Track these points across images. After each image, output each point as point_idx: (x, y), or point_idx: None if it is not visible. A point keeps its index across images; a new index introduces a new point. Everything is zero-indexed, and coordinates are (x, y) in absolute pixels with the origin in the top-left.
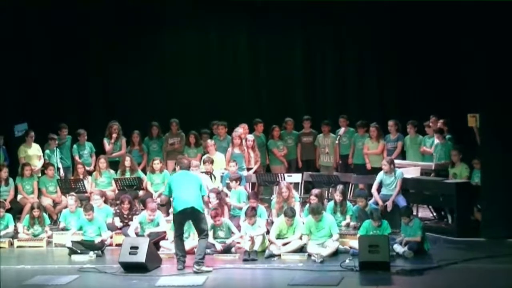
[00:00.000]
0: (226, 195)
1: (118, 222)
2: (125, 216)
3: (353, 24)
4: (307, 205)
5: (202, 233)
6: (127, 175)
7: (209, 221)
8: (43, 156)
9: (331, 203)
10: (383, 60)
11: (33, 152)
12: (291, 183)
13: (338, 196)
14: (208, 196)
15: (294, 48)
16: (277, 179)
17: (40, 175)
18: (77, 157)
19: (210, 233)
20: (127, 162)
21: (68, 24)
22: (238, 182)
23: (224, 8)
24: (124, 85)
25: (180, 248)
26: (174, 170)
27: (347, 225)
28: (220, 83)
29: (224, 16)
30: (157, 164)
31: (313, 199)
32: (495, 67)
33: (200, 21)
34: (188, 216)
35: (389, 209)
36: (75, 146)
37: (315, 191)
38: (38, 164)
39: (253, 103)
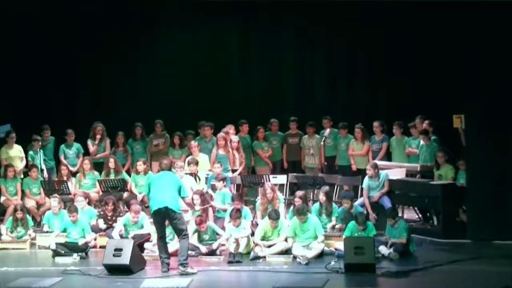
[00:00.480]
0: (211, 196)
1: (102, 224)
2: (109, 217)
3: (342, 24)
4: (292, 207)
5: (180, 233)
6: (112, 176)
7: (194, 226)
8: (26, 157)
9: (317, 204)
10: (370, 61)
11: (14, 154)
12: (276, 185)
13: (323, 198)
14: (192, 198)
15: (283, 48)
16: (262, 181)
17: (22, 176)
18: (62, 157)
19: (195, 236)
20: (111, 164)
21: (56, 23)
22: (224, 183)
23: (213, 9)
24: (108, 85)
25: (163, 250)
26: (159, 171)
27: (333, 227)
28: (207, 84)
29: (213, 16)
30: (141, 165)
31: (298, 201)
32: (481, 68)
33: (188, 22)
34: (163, 216)
35: (374, 199)
36: (62, 146)
37: (299, 192)
38: (20, 165)
39: (240, 104)
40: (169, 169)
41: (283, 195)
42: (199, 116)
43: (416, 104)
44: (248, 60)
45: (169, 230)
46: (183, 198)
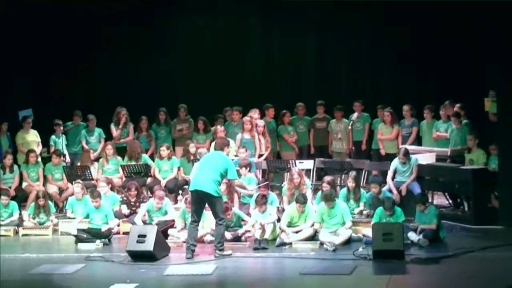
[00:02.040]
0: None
1: (125, 210)
2: (132, 203)
3: (368, 8)
4: (319, 192)
5: (217, 218)
6: (134, 161)
7: None
8: (49, 142)
9: (344, 190)
10: (398, 44)
11: (31, 138)
12: (302, 170)
13: (351, 183)
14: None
15: (308, 32)
16: (288, 166)
17: (39, 160)
18: (84, 143)
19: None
20: (129, 149)
21: (77, 8)
22: (248, 169)
23: None
24: (132, 70)
25: (192, 235)
26: (183, 156)
27: (360, 212)
28: (230, 68)
29: (237, 1)
30: (164, 150)
31: (325, 186)
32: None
33: (212, 6)
34: (201, 198)
35: (403, 193)
36: (83, 131)
37: (327, 178)
38: (37, 150)
39: (265, 88)
40: (221, 149)
41: (309, 180)
42: (223, 101)
43: (446, 87)
44: (271, 43)
45: None
46: (231, 180)
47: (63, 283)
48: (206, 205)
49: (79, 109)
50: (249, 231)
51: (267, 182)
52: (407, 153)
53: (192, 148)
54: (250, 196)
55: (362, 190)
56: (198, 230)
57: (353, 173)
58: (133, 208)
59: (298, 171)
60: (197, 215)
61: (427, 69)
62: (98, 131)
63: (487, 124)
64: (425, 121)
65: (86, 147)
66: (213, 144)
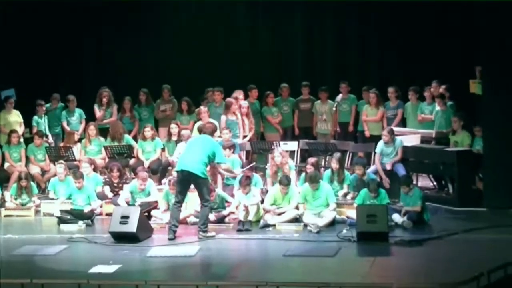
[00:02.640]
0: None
1: (108, 191)
2: (115, 184)
3: None
4: (303, 174)
5: (202, 199)
6: (116, 142)
7: None
8: (31, 122)
9: (328, 171)
10: (383, 25)
11: (13, 119)
12: (287, 151)
13: (334, 164)
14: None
15: (293, 11)
16: (272, 147)
17: (22, 141)
18: (65, 124)
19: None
20: (111, 129)
21: None
22: (232, 150)
23: None
24: (117, 50)
25: (175, 217)
26: (168, 137)
27: (345, 195)
28: (214, 48)
29: None
30: (148, 131)
31: (309, 168)
32: (498, 30)
33: None
34: (186, 179)
35: (388, 167)
36: (64, 112)
37: (311, 159)
38: (19, 130)
39: (249, 69)
40: (211, 134)
41: (294, 162)
42: (207, 82)
43: (431, 68)
44: (256, 23)
45: None
46: (219, 164)
47: (45, 264)
48: (191, 187)
49: (62, 89)
50: (232, 212)
51: (253, 164)
52: (392, 132)
53: (173, 128)
54: (234, 177)
55: (346, 172)
56: (181, 211)
57: (337, 155)
58: (116, 190)
59: (280, 152)
60: (181, 196)
61: (413, 50)
62: (78, 111)
63: (472, 106)
64: (410, 103)
65: (67, 128)
66: (196, 125)
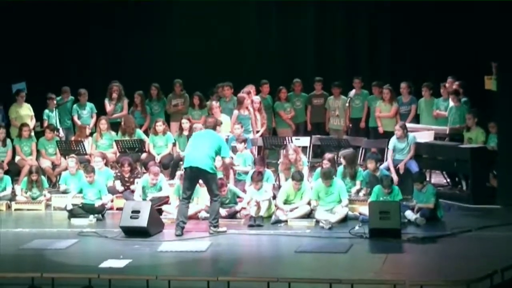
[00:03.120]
0: (232, 159)
1: (119, 186)
2: (126, 179)
3: None
4: (318, 169)
5: (212, 194)
6: (126, 136)
7: None
8: (42, 116)
9: (341, 167)
10: (396, 19)
11: (24, 112)
12: (299, 147)
13: (342, 161)
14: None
15: (305, 6)
16: (284, 142)
17: (33, 134)
18: (75, 117)
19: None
20: (123, 124)
21: None
22: (244, 145)
23: None
24: (128, 45)
25: (182, 212)
26: (180, 131)
27: (357, 191)
28: (227, 44)
29: None
30: (159, 126)
31: (326, 164)
32: None
33: None
34: (195, 176)
35: (401, 171)
36: (75, 106)
37: (328, 155)
38: (30, 124)
39: (261, 64)
40: (214, 128)
41: (306, 157)
42: (219, 76)
43: (446, 64)
44: (268, 17)
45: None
46: (223, 158)
47: (55, 258)
48: (201, 181)
49: (73, 83)
50: (244, 208)
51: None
52: (404, 127)
53: (185, 123)
54: (246, 172)
55: (359, 168)
56: (192, 206)
57: (344, 152)
58: (127, 184)
59: (294, 148)
60: (189, 192)
61: (426, 45)
62: (89, 105)
63: (487, 102)
64: (423, 99)
65: (78, 122)
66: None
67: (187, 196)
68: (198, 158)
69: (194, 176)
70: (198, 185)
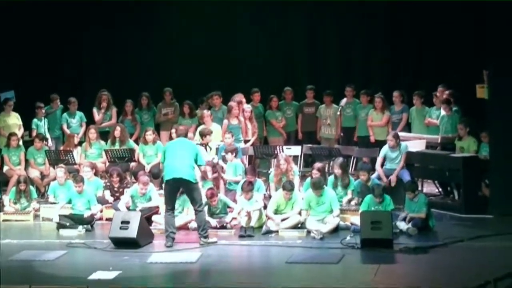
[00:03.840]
0: (222, 168)
1: (108, 196)
2: (115, 189)
3: None
4: (308, 179)
5: (196, 204)
6: (117, 146)
7: (204, 199)
8: (31, 125)
9: (332, 177)
10: (389, 28)
11: (12, 121)
12: (290, 156)
13: (337, 170)
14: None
15: (297, 13)
16: (275, 152)
17: (21, 144)
18: (65, 126)
19: (205, 209)
20: (117, 132)
21: None
22: (234, 154)
23: None
24: (117, 52)
25: (170, 223)
26: (170, 140)
27: (349, 201)
28: (218, 52)
29: None
30: (149, 135)
31: (316, 173)
32: (506, 35)
33: None
34: (177, 186)
35: (393, 183)
36: (64, 114)
37: (317, 164)
38: (18, 133)
39: (252, 72)
40: (186, 136)
41: (297, 167)
42: (209, 85)
43: (437, 73)
44: (259, 24)
45: (178, 203)
46: (199, 166)
47: (44, 270)
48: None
49: (62, 92)
50: (235, 218)
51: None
52: (397, 136)
53: (175, 133)
54: (236, 182)
55: (350, 178)
56: (182, 217)
57: (339, 160)
58: (117, 194)
59: (285, 157)
60: (172, 203)
61: (419, 54)
62: (79, 114)
63: (479, 111)
64: (415, 107)
65: (67, 131)
66: (198, 129)
67: (171, 206)
68: (179, 169)
69: (176, 186)
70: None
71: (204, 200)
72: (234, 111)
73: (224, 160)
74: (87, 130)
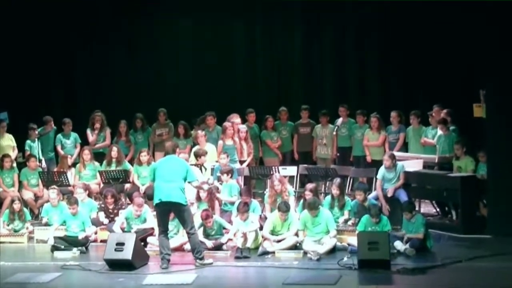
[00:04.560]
0: (217, 188)
1: (103, 217)
2: (110, 210)
3: (354, 10)
4: (302, 200)
5: (187, 227)
6: (113, 167)
7: (199, 220)
8: (24, 147)
9: (328, 197)
10: (385, 47)
11: (6, 143)
12: (285, 176)
13: (335, 190)
14: (198, 192)
15: (292, 34)
16: (271, 172)
17: (15, 165)
18: (59, 147)
19: (200, 230)
20: (114, 153)
21: (54, 8)
22: (230, 175)
23: None
24: (111, 73)
25: (164, 245)
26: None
27: (345, 221)
28: (210, 72)
29: (219, 1)
30: (144, 156)
31: (308, 194)
32: (503, 55)
33: (193, 8)
34: (168, 209)
35: (389, 194)
36: (59, 135)
37: (309, 185)
38: (12, 155)
39: (247, 92)
40: (174, 152)
41: (293, 187)
42: (203, 105)
43: (434, 92)
44: (254, 45)
45: (173, 225)
46: (190, 182)
47: None
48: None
49: (55, 114)
50: (230, 239)
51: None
52: (393, 157)
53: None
54: (232, 203)
55: (346, 198)
56: (177, 238)
57: (337, 180)
58: (111, 215)
59: (279, 178)
60: (165, 225)
61: (414, 73)
62: (73, 135)
63: (476, 130)
64: (412, 127)
65: (61, 152)
66: (193, 149)
67: (164, 228)
68: (169, 192)
69: (167, 209)
70: None
71: (200, 222)
72: (229, 131)
73: (220, 180)
74: (81, 151)
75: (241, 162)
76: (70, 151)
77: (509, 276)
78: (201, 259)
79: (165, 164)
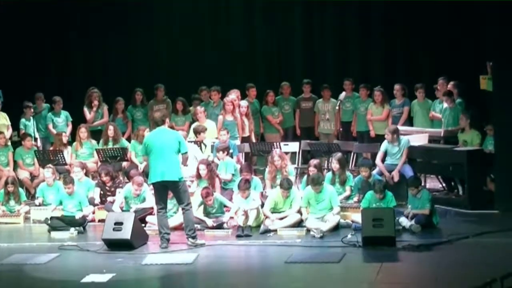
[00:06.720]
0: (217, 166)
1: (97, 196)
2: (107, 189)
3: None
4: (305, 176)
5: (183, 203)
6: (110, 145)
7: (199, 199)
8: (19, 125)
9: (329, 173)
10: (388, 18)
11: (0, 122)
12: (287, 153)
13: (335, 164)
14: (198, 168)
15: (293, 6)
16: (272, 148)
17: (10, 144)
18: (50, 126)
19: (200, 209)
20: (110, 131)
21: None
22: (226, 153)
23: None
24: (107, 49)
25: (163, 223)
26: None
27: (346, 198)
28: (211, 46)
29: None
30: (145, 133)
31: (312, 170)
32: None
33: None
34: (163, 187)
35: (395, 179)
36: (49, 114)
37: (313, 161)
38: (6, 134)
39: (247, 67)
40: (163, 123)
41: (295, 163)
42: (202, 81)
43: (439, 64)
44: (254, 18)
45: (172, 203)
46: (183, 154)
47: (35, 274)
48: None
49: (50, 91)
50: (232, 217)
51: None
52: (395, 131)
53: None
54: (228, 181)
55: (348, 174)
56: (177, 217)
57: (337, 154)
58: (109, 194)
59: (279, 153)
60: (163, 202)
61: (420, 46)
62: (64, 113)
63: (483, 103)
64: (416, 101)
65: (53, 130)
66: (192, 126)
67: (162, 206)
68: (165, 171)
69: (163, 186)
70: None
71: (200, 200)
72: (227, 107)
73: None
74: (78, 130)
75: (243, 139)
76: (62, 129)
77: None
78: (194, 238)
79: (156, 138)
